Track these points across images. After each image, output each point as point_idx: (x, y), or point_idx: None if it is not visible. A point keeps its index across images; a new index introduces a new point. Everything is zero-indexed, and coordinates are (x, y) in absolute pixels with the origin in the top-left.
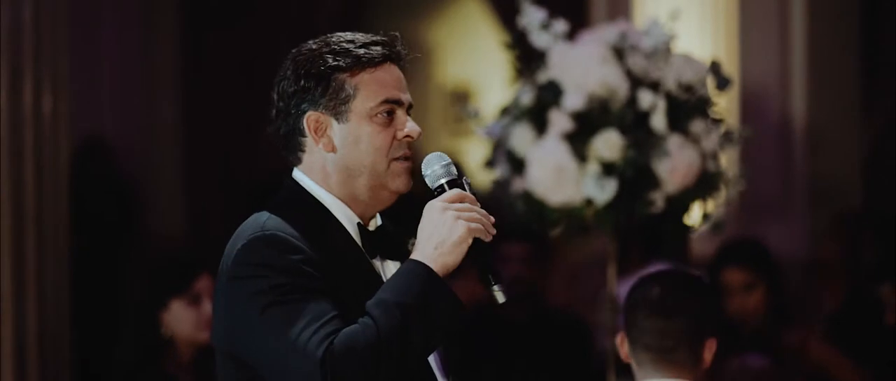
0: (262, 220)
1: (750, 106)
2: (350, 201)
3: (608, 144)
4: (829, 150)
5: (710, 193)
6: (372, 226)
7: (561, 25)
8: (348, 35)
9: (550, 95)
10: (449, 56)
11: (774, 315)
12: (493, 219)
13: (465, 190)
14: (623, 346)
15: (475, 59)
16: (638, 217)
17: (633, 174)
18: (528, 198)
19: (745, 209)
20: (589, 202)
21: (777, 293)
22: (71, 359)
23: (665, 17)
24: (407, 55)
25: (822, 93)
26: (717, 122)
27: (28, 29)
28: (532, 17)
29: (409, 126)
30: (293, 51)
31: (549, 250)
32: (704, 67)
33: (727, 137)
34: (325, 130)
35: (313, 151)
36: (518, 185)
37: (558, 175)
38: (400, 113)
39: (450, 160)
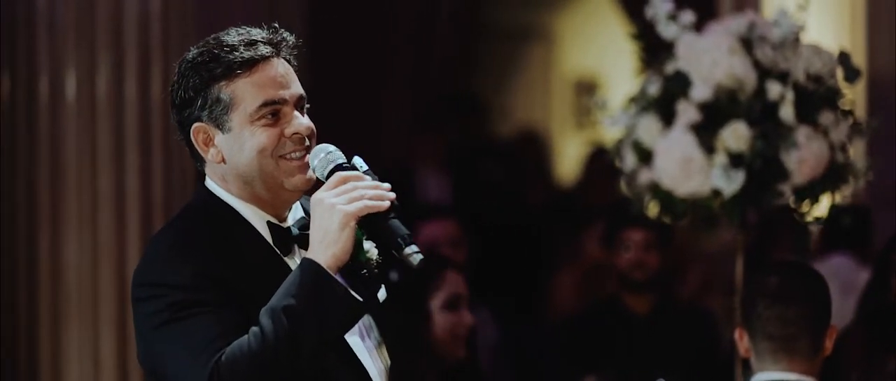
0: (164, 235)
1: (876, 97)
2: (257, 203)
3: (736, 135)
4: None
5: (838, 185)
6: (290, 220)
7: (688, 16)
8: (229, 36)
9: (678, 85)
10: (574, 47)
11: None
12: (387, 185)
13: (354, 170)
14: (742, 340)
15: (601, 50)
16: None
17: (762, 165)
18: (656, 189)
19: (871, 201)
20: (716, 193)
21: None
22: None
23: (793, 7)
24: (291, 45)
25: None
26: (847, 113)
27: (156, 20)
28: (659, 8)
29: (296, 124)
30: (182, 58)
31: (670, 237)
32: (833, 57)
33: (856, 129)
34: (212, 141)
35: (209, 160)
36: (645, 176)
37: (686, 166)
38: (286, 110)
39: (333, 148)
